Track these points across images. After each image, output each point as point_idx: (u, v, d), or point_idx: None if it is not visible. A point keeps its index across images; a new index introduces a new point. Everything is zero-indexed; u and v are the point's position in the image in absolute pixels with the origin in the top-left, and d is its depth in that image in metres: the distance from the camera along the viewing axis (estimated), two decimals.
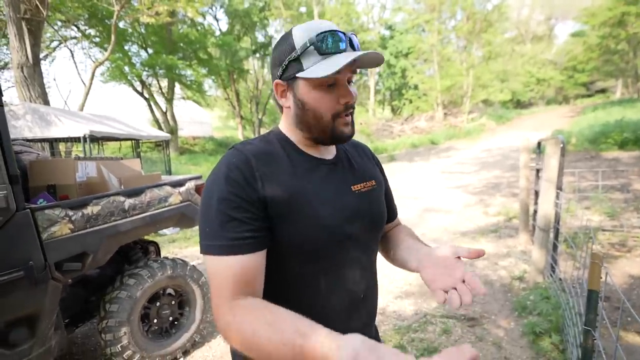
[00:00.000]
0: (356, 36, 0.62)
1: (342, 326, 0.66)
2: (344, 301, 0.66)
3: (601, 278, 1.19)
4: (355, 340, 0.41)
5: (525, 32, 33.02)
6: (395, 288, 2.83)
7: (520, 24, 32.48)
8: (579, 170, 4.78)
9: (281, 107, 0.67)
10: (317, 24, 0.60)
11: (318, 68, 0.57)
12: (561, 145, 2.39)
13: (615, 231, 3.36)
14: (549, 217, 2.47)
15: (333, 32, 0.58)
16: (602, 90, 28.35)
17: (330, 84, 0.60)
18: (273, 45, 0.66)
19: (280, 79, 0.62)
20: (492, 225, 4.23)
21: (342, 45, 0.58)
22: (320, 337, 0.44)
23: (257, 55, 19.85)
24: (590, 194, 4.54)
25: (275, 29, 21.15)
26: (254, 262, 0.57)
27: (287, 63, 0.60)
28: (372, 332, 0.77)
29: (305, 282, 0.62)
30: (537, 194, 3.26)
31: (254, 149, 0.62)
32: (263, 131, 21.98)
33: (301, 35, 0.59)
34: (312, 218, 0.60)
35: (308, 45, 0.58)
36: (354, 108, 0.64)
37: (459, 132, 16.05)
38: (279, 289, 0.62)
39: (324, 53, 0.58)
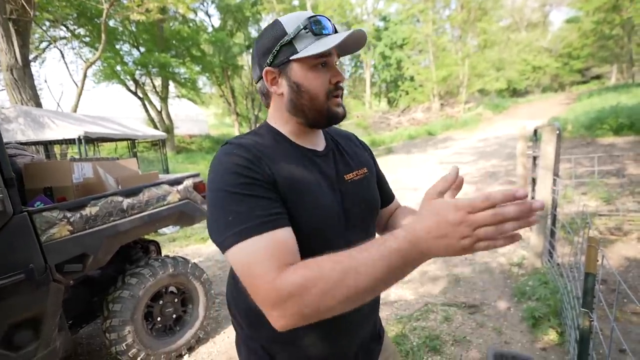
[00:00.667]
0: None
1: (350, 312, 0.67)
2: None
3: (598, 261, 1.21)
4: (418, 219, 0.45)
5: (520, 19, 32.80)
6: None
7: (515, 12, 32.23)
8: (575, 156, 4.80)
9: (267, 101, 0.68)
10: (301, 12, 0.63)
11: (316, 47, 0.60)
12: (557, 132, 2.40)
13: (611, 216, 3.39)
14: (546, 203, 2.49)
15: (321, 16, 0.62)
16: (597, 77, 28.32)
17: (322, 64, 0.62)
18: (255, 40, 0.67)
19: (270, 66, 0.63)
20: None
21: (330, 27, 0.63)
22: (402, 232, 0.45)
23: (251, 50, 19.62)
24: (586, 179, 4.57)
25: (268, 24, 20.89)
26: (292, 235, 0.55)
27: (278, 48, 0.61)
28: (377, 318, 0.78)
29: None
30: (534, 181, 3.27)
31: (250, 142, 0.62)
32: None
33: (291, 21, 0.62)
34: (315, 208, 0.61)
35: (302, 27, 0.60)
36: (342, 89, 0.66)
37: (456, 122, 16.03)
38: None
39: (318, 34, 0.61)
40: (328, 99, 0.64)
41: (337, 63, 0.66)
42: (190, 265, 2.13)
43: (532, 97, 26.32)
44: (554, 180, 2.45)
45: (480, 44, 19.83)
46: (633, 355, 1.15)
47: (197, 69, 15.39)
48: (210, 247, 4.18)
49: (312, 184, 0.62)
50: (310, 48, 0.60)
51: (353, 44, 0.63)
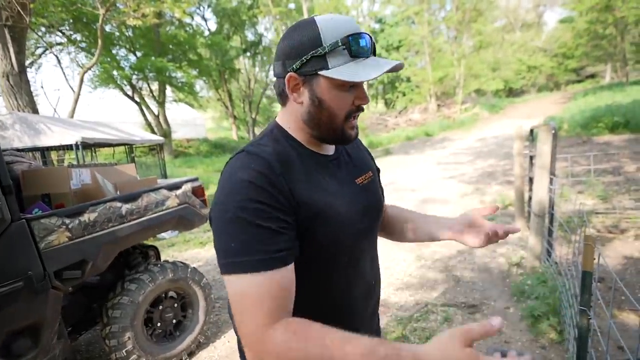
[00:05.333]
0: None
1: (360, 313, 0.70)
2: (361, 291, 0.69)
3: (595, 259, 1.22)
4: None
5: (515, 20, 33.08)
6: (395, 280, 2.86)
7: (510, 12, 32.52)
8: (571, 155, 4.83)
9: (284, 101, 0.64)
10: (343, 20, 0.58)
11: (349, 70, 0.56)
12: (553, 131, 2.42)
13: (608, 214, 3.41)
14: (543, 203, 2.51)
15: (363, 35, 0.57)
16: (592, 76, 28.58)
17: (351, 86, 0.59)
18: (285, 34, 0.60)
19: (296, 71, 0.58)
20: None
21: (369, 49, 0.58)
22: (411, 347, 0.45)
23: (248, 54, 19.70)
24: (583, 178, 4.60)
25: (264, 27, 20.99)
26: (291, 274, 0.54)
27: (309, 58, 0.56)
28: (378, 317, 0.80)
29: (329, 278, 0.63)
30: (531, 180, 3.29)
31: (271, 151, 0.58)
32: (257, 130, 21.94)
33: (330, 30, 0.56)
34: (336, 216, 0.60)
35: (340, 44, 0.55)
36: (363, 110, 0.64)
37: (453, 123, 16.10)
38: (303, 288, 0.60)
39: (355, 55, 0.56)
40: (346, 120, 0.61)
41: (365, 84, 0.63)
42: (189, 269, 2.12)
43: (528, 96, 26.52)
44: (551, 179, 2.47)
45: (476, 45, 19.98)
46: (630, 352, 1.16)
47: (194, 73, 15.40)
48: (209, 252, 4.17)
49: (329, 193, 0.61)
50: (343, 70, 0.55)
51: (394, 68, 0.59)
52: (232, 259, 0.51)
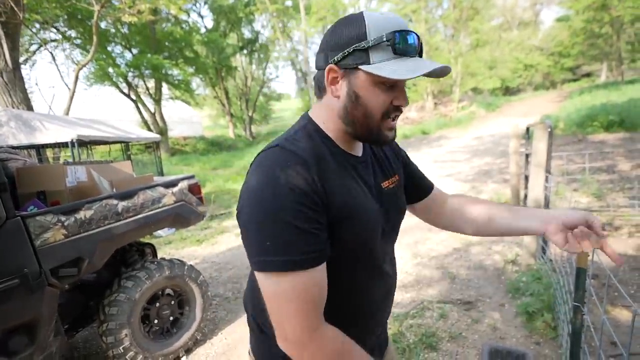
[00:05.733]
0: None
1: (380, 313, 0.72)
2: (382, 292, 0.70)
3: (589, 256, 1.23)
4: None
5: (512, 18, 33.21)
6: None
7: (507, 11, 32.62)
8: (566, 153, 4.88)
9: (321, 94, 0.63)
10: (392, 17, 0.56)
11: (390, 67, 0.54)
12: (548, 129, 2.44)
13: (602, 211, 3.45)
14: (539, 200, 2.53)
15: (410, 32, 0.55)
16: (588, 74, 28.77)
17: (391, 85, 0.57)
18: (331, 27, 0.59)
19: (336, 64, 0.57)
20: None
21: (415, 48, 0.56)
22: None
23: (245, 51, 19.60)
24: (578, 176, 4.64)
25: (261, 24, 20.90)
26: (325, 274, 0.55)
27: (351, 51, 0.55)
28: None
29: (353, 279, 0.64)
30: (527, 178, 3.32)
31: (306, 148, 0.57)
32: (254, 128, 21.82)
33: (376, 25, 0.54)
34: (365, 218, 0.60)
35: (384, 39, 0.54)
36: (402, 112, 0.61)
37: (450, 121, 16.15)
38: (331, 289, 0.59)
39: (399, 53, 0.55)
40: (383, 119, 0.59)
41: (406, 85, 0.61)
42: (186, 267, 2.12)
43: (524, 95, 26.63)
44: (546, 177, 2.49)
45: (473, 43, 20.01)
46: (623, 347, 1.18)
47: (191, 70, 15.32)
48: (205, 249, 4.16)
49: (359, 196, 0.61)
50: (384, 67, 0.54)
51: (438, 72, 0.57)
52: (265, 257, 0.51)
